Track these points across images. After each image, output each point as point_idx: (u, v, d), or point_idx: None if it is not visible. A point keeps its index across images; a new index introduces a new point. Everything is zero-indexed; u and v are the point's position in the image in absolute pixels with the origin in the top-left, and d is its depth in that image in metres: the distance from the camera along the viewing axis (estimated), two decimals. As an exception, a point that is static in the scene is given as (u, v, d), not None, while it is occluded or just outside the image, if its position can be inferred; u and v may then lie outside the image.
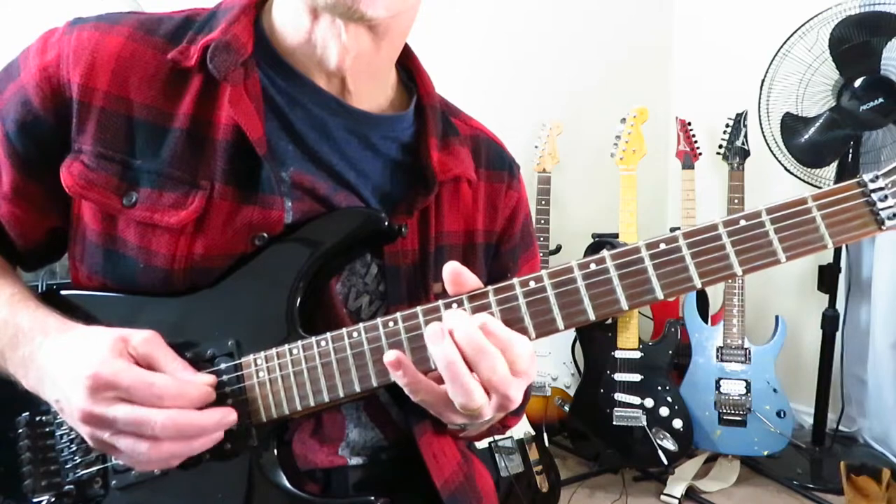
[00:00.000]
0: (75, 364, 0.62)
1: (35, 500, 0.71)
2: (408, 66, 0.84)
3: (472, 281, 0.62)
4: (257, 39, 0.72)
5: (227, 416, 0.65)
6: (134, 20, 0.72)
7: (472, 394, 0.58)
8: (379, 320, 0.65)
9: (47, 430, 0.73)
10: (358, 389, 0.65)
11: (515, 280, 0.62)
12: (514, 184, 0.89)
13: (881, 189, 0.57)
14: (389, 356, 0.60)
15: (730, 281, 2.31)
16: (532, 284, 0.62)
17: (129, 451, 0.62)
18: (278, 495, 0.67)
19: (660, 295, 0.60)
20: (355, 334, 0.65)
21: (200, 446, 0.64)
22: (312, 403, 0.66)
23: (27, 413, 0.73)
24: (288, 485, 0.67)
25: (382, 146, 0.77)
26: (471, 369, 0.58)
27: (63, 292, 0.74)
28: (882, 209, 0.57)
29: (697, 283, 0.59)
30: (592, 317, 0.61)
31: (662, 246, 0.59)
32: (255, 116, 0.69)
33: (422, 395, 0.61)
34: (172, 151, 0.69)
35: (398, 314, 0.64)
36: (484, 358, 0.57)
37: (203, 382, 0.65)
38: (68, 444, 0.72)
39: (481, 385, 0.58)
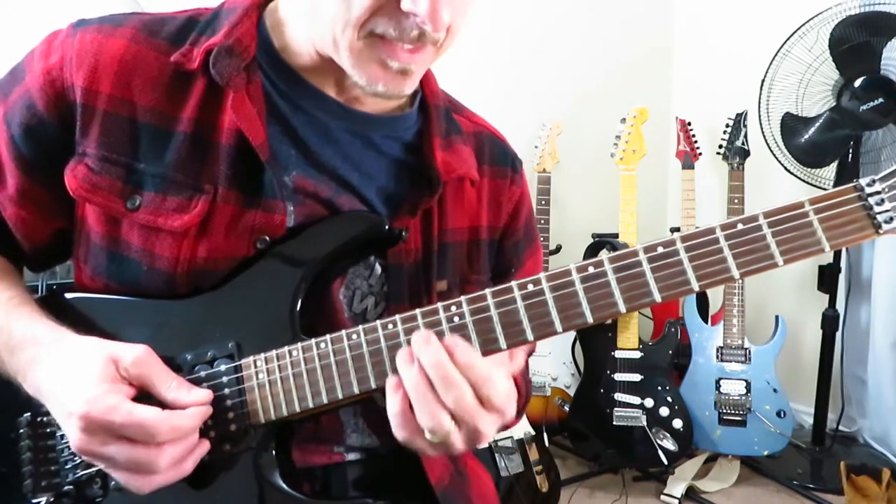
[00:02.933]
0: (67, 392, 0.62)
1: (34, 500, 0.71)
2: None
3: None
4: (260, 41, 0.72)
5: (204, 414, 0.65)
6: (137, 21, 0.71)
7: (439, 419, 0.58)
8: (378, 322, 0.65)
9: (48, 430, 0.73)
10: (356, 391, 0.65)
11: (513, 283, 0.62)
12: (517, 179, 0.89)
13: (878, 193, 0.57)
14: (391, 381, 0.61)
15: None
16: (530, 287, 0.62)
17: (124, 482, 0.62)
18: (277, 496, 0.67)
19: (657, 298, 0.60)
20: (354, 336, 0.65)
21: (191, 467, 0.64)
22: (311, 405, 0.66)
23: (28, 414, 0.73)
24: (286, 486, 0.67)
25: (385, 146, 0.77)
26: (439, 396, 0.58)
27: (67, 294, 0.74)
28: (879, 213, 0.57)
29: (695, 286, 0.59)
30: (590, 319, 0.61)
31: (660, 249, 0.60)
32: (258, 122, 0.69)
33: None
34: (176, 155, 0.69)
35: (397, 316, 0.64)
36: (450, 388, 0.57)
37: (196, 404, 0.64)
38: (68, 444, 0.71)
39: (449, 413, 0.58)
